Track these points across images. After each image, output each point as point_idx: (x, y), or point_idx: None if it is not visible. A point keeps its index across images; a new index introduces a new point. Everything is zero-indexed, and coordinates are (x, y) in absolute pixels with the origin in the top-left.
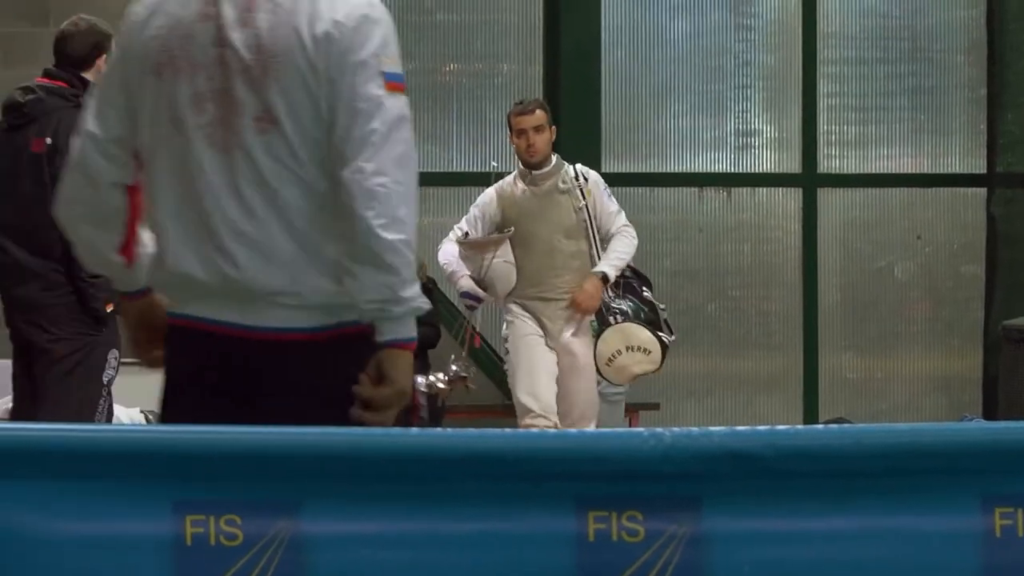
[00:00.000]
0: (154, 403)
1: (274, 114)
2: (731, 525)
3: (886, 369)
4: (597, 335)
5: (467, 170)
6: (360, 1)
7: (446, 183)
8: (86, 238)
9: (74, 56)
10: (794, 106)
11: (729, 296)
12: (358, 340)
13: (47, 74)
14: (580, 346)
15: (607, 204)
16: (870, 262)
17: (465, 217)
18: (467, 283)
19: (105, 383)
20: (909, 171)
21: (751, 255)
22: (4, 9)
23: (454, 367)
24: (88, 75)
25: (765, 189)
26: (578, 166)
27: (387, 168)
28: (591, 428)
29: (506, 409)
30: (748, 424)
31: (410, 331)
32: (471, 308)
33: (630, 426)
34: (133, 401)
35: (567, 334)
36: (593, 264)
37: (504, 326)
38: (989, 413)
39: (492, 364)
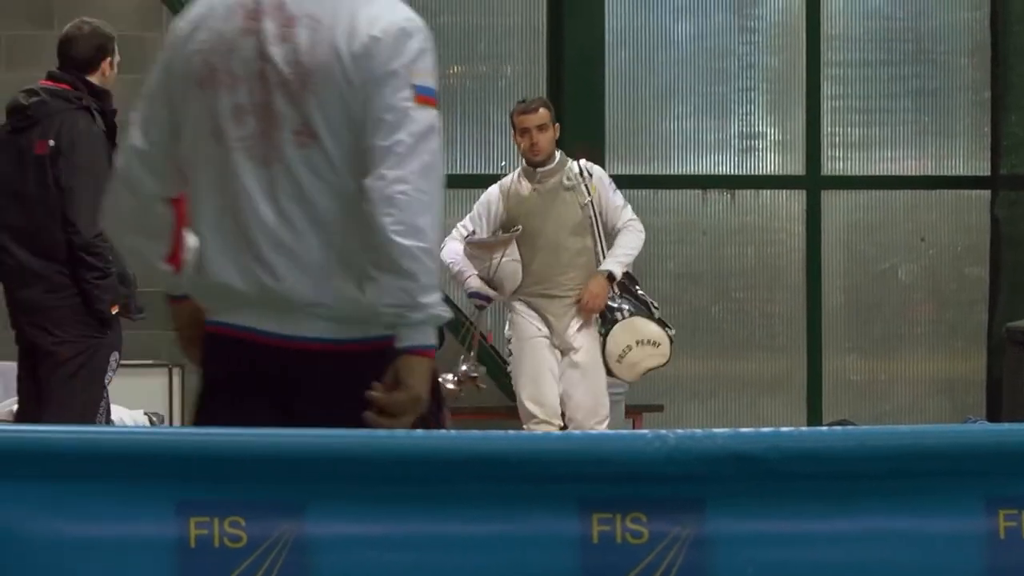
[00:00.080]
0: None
1: (313, 128)
2: (735, 527)
3: (890, 371)
4: (604, 334)
5: (471, 172)
6: (398, 16)
7: (450, 185)
8: (133, 248)
9: (78, 59)
10: (798, 108)
11: (733, 298)
12: (393, 353)
13: (51, 76)
14: (585, 343)
15: (612, 199)
16: (874, 264)
17: (469, 215)
18: (476, 283)
19: (105, 384)
20: (913, 173)
21: (755, 257)
22: (8, 11)
23: (464, 367)
24: (92, 78)
25: (769, 191)
26: (582, 161)
27: (410, 177)
28: (603, 427)
29: (510, 411)
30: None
31: (429, 338)
32: (480, 308)
33: (633, 428)
34: (136, 403)
35: (572, 331)
36: (599, 261)
37: (507, 325)
38: (993, 415)
39: (496, 366)
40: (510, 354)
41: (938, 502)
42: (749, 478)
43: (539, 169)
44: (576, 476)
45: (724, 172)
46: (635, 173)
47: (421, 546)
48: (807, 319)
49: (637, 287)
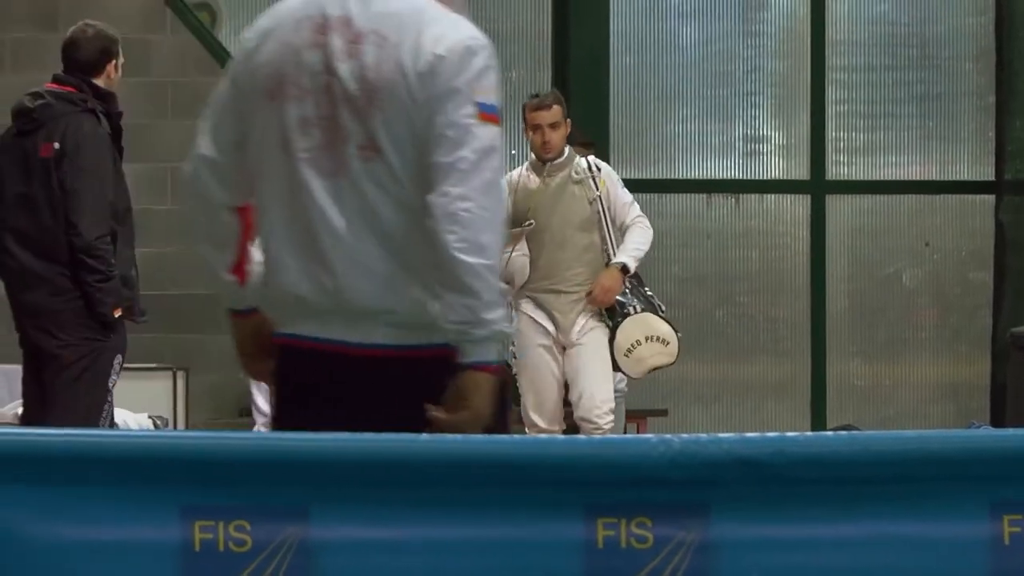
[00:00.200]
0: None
1: (378, 144)
2: (740, 531)
3: (894, 376)
4: (614, 327)
5: None
6: (463, 34)
7: None
8: (203, 254)
9: (82, 62)
10: (802, 113)
11: (737, 302)
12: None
13: (56, 79)
14: (591, 338)
15: (621, 195)
16: (878, 269)
17: None
18: None
19: (109, 388)
20: (917, 178)
21: (759, 261)
22: (13, 14)
23: None
24: (97, 81)
25: (773, 195)
26: (590, 157)
27: (472, 194)
28: (608, 419)
29: (513, 414)
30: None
31: (491, 354)
32: None
33: (638, 432)
34: (140, 406)
35: (578, 327)
36: (607, 258)
37: (512, 325)
38: (997, 420)
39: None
40: (514, 357)
41: (943, 507)
42: (754, 483)
43: (548, 164)
44: (581, 481)
45: (729, 176)
46: (640, 177)
47: (426, 550)
48: (811, 323)
49: (646, 288)
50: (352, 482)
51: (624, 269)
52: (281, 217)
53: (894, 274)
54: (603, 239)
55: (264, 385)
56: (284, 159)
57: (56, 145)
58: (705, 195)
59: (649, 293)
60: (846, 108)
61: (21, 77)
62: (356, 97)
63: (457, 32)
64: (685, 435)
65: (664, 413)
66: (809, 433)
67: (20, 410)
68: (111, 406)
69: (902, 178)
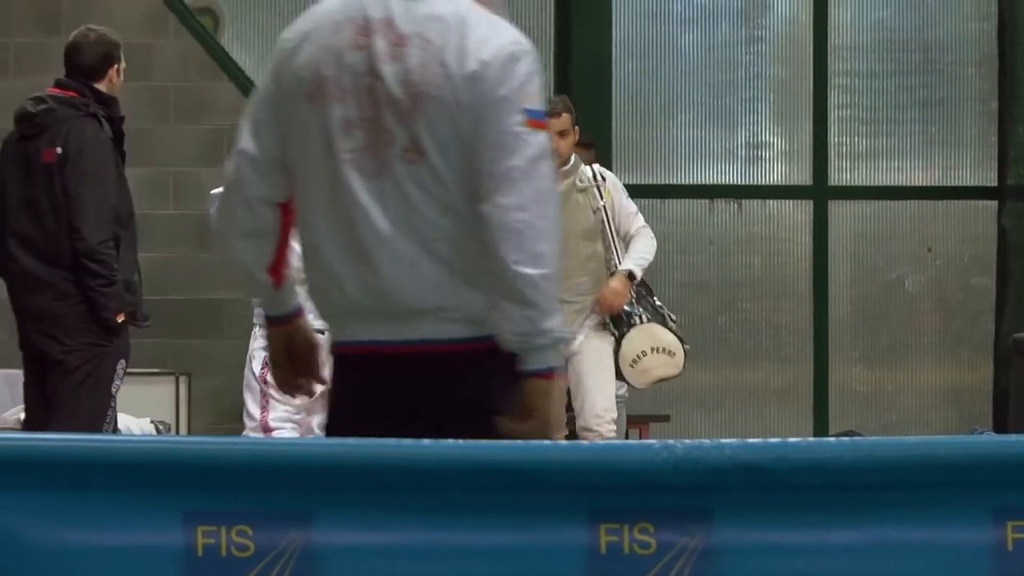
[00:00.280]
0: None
1: (422, 147)
2: (742, 537)
3: (896, 381)
4: (620, 337)
5: None
6: (506, 39)
7: None
8: (238, 256)
9: (84, 66)
10: (805, 118)
11: (739, 308)
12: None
13: (58, 84)
14: (594, 347)
15: (625, 204)
16: (881, 274)
17: None
18: None
19: (113, 393)
20: (920, 183)
21: (762, 267)
22: (15, 19)
23: None
24: (99, 85)
25: (776, 201)
26: (595, 166)
27: (527, 203)
28: (610, 427)
29: None
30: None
31: (552, 360)
32: None
33: (640, 438)
34: (142, 411)
35: (580, 337)
36: (610, 267)
37: None
38: (999, 426)
39: None
40: None
41: (946, 513)
42: (757, 489)
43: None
44: (584, 486)
45: (731, 182)
46: (642, 183)
47: (429, 555)
48: (814, 329)
49: (654, 297)
50: (355, 487)
51: (630, 276)
52: (325, 217)
53: (896, 279)
54: (607, 248)
55: (256, 387)
56: (327, 160)
57: (58, 150)
58: (707, 201)
59: (658, 303)
60: (848, 113)
61: (24, 81)
62: (400, 100)
63: (501, 36)
64: (688, 441)
65: (666, 419)
66: (812, 439)
67: (22, 415)
68: (115, 411)
69: (905, 183)
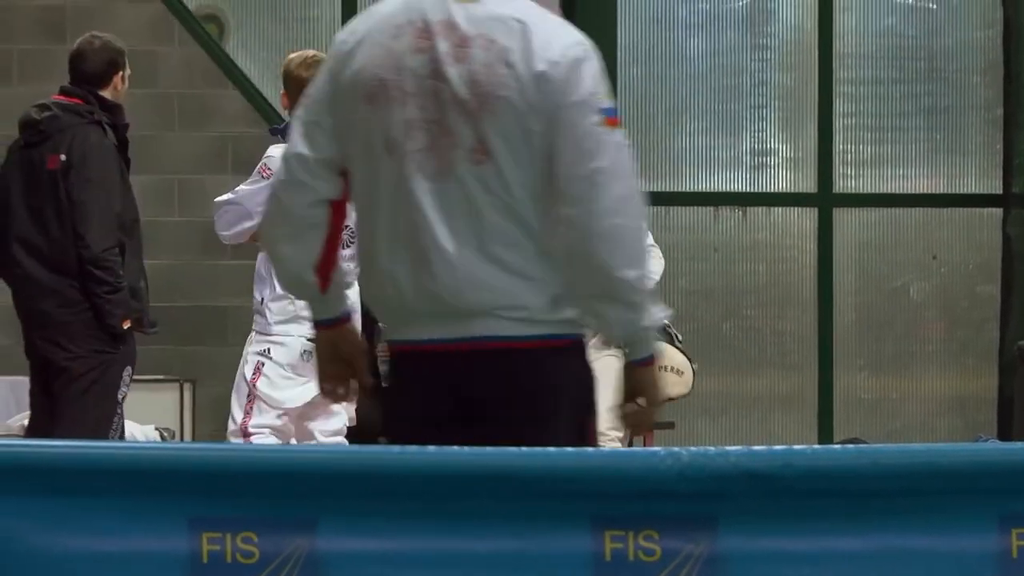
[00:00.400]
0: (168, 420)
1: (489, 148)
2: (747, 544)
3: (901, 389)
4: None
5: None
6: (571, 39)
7: None
8: (285, 257)
9: (89, 73)
10: (810, 125)
11: (744, 315)
12: (568, 351)
13: (63, 91)
14: (603, 365)
15: None
16: (885, 282)
17: None
18: None
19: (119, 400)
20: (925, 191)
21: (766, 274)
22: (20, 25)
23: None
24: (104, 92)
25: (780, 209)
26: None
27: (617, 206)
28: (613, 445)
29: None
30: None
31: (652, 347)
32: None
33: (645, 445)
34: (147, 418)
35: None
36: None
37: None
38: (1004, 434)
39: None
40: None
41: (951, 521)
42: (762, 496)
43: None
44: (589, 493)
45: (736, 189)
46: (646, 190)
47: (433, 562)
48: (818, 336)
49: None
50: (359, 494)
51: None
52: (385, 218)
53: (901, 287)
54: None
55: (244, 391)
56: (388, 160)
57: (63, 157)
58: (712, 208)
59: (666, 322)
60: (853, 121)
61: (28, 88)
62: (466, 101)
63: (565, 36)
64: (693, 448)
65: (671, 426)
66: (816, 446)
67: (26, 421)
68: (121, 418)
69: (909, 191)
